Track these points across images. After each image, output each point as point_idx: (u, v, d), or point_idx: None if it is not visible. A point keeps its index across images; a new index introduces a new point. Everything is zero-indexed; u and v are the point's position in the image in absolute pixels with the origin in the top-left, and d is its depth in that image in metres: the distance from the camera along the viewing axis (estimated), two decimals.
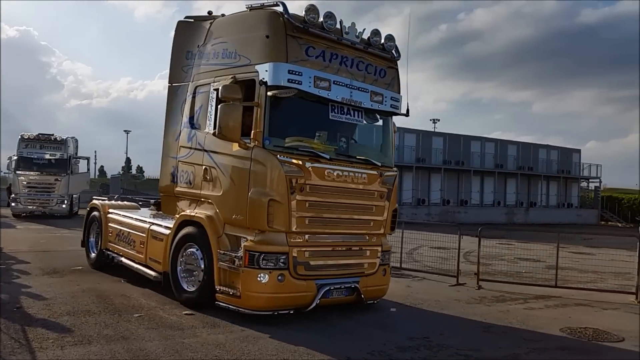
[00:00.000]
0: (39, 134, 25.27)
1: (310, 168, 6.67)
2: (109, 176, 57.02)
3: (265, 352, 5.51)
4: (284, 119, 6.92)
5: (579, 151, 51.89)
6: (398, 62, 8.02)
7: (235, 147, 6.77)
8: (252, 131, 6.62)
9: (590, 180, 52.88)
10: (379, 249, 7.70)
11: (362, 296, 7.39)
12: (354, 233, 7.42)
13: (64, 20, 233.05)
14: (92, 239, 10.68)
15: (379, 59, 7.75)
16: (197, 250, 7.20)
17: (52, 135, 25.40)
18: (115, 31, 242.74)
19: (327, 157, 6.91)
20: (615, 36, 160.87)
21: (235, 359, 5.31)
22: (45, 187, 24.54)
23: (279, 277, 6.49)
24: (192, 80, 8.02)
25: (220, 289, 6.75)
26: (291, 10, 6.77)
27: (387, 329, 6.96)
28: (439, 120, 64.49)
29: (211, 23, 7.97)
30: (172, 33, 8.80)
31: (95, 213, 10.60)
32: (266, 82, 6.55)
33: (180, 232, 7.53)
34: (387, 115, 7.98)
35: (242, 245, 6.62)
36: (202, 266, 7.07)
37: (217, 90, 7.14)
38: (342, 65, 7.22)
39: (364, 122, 7.80)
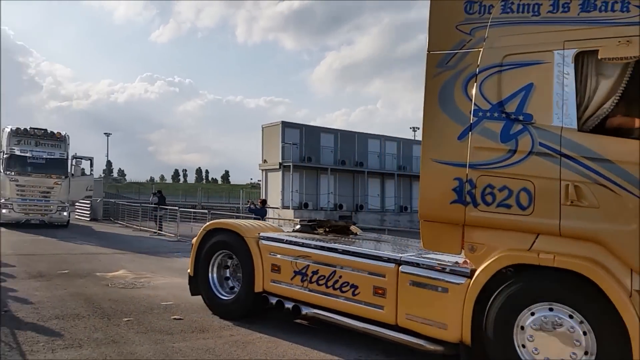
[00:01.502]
0: (32, 128, 21.19)
1: None
2: None
3: (255, 356, 5.62)
4: None
5: None
6: None
7: None
8: None
9: None
10: None
11: None
12: None
13: (41, 20, 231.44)
14: (213, 275, 7.39)
15: None
16: (578, 322, 4.38)
17: (47, 130, 21.50)
18: (94, 33, 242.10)
19: None
20: None
21: None
22: (43, 192, 20.80)
23: None
24: (490, 45, 5.10)
25: None
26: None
27: None
28: (418, 128, 65.57)
29: None
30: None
31: (223, 238, 7.29)
32: None
33: (508, 284, 4.76)
34: None
35: None
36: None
37: (588, 60, 4.61)
38: None
39: None
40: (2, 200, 20.24)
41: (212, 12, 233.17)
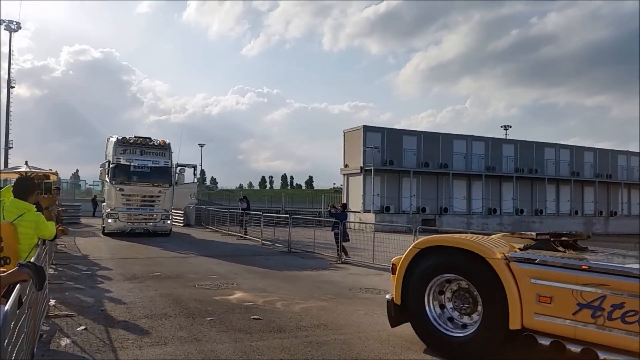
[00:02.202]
0: (137, 137, 20.82)
1: None
2: None
3: (329, 356, 5.64)
4: None
5: None
6: None
7: None
8: None
9: None
10: None
11: None
12: None
13: (142, 40, 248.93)
14: (431, 306, 5.95)
15: None
16: None
17: (152, 138, 21.16)
18: (190, 49, 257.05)
19: None
20: None
21: None
22: (148, 201, 20.46)
23: None
24: None
25: None
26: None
27: None
28: (510, 127, 63.01)
29: None
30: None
31: (446, 259, 5.84)
32: None
33: None
34: None
35: None
36: None
37: None
38: None
39: None
40: (108, 210, 20.20)
41: (300, 23, 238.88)
